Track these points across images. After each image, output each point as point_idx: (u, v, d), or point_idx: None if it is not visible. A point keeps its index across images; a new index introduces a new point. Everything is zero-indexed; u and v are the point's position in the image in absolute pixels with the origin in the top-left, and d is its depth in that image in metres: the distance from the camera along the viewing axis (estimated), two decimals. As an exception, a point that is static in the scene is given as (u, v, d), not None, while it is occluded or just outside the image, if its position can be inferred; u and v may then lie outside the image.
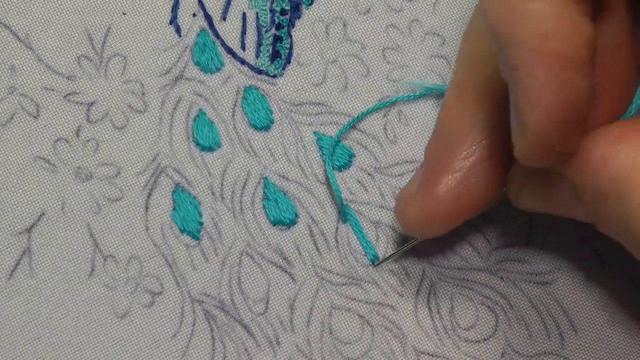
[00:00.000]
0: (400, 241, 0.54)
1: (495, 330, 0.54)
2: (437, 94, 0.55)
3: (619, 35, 0.46)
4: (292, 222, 0.54)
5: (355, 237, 0.54)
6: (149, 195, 0.53)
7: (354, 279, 0.54)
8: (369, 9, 0.55)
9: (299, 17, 0.55)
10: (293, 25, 0.55)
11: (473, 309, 0.54)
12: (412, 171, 0.55)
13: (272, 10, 0.55)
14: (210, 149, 0.54)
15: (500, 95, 0.47)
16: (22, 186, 0.53)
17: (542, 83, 0.41)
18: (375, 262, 0.54)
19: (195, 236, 0.53)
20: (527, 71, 0.42)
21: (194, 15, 0.55)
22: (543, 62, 0.41)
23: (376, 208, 0.54)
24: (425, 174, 0.50)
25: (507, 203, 0.50)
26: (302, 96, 0.55)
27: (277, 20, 0.55)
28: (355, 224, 0.54)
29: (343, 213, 0.54)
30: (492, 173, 0.49)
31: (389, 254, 0.54)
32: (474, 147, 0.49)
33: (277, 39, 0.55)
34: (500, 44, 0.43)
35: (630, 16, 0.46)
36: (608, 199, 0.43)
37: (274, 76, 0.55)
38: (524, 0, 0.41)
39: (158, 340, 0.53)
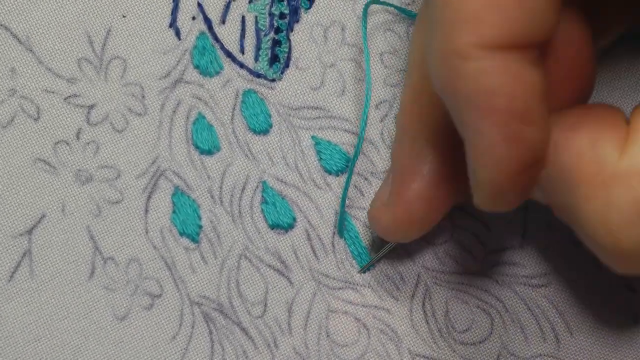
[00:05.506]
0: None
1: (491, 332, 0.54)
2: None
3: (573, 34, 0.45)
4: (290, 226, 0.54)
5: (352, 244, 0.54)
6: (149, 198, 0.54)
7: (350, 283, 0.54)
8: (368, 13, 0.56)
9: (297, 21, 0.56)
10: (292, 29, 0.55)
11: (468, 312, 0.54)
12: (409, 175, 0.55)
13: (271, 14, 0.55)
14: (209, 152, 0.54)
15: None
16: (22, 188, 0.53)
17: (491, 139, 0.41)
18: (364, 268, 0.54)
19: (195, 239, 0.54)
20: (475, 128, 0.41)
21: (194, 18, 0.55)
22: (489, 119, 0.40)
23: (373, 211, 0.55)
24: (394, 179, 0.50)
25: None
26: (300, 100, 0.55)
27: (276, 24, 0.55)
28: (352, 229, 0.54)
29: (340, 225, 0.54)
30: (459, 173, 0.48)
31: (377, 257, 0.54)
32: (437, 150, 0.49)
33: (276, 42, 0.55)
34: (446, 102, 0.42)
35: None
36: (558, 188, 0.43)
37: (273, 80, 0.55)
38: (464, 59, 0.40)
39: (157, 343, 0.53)
